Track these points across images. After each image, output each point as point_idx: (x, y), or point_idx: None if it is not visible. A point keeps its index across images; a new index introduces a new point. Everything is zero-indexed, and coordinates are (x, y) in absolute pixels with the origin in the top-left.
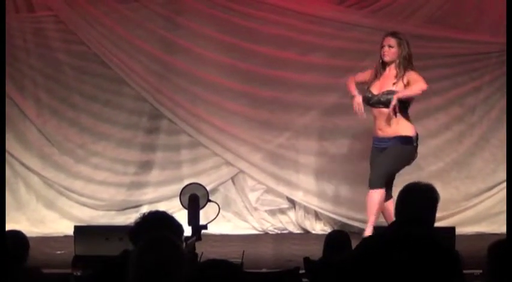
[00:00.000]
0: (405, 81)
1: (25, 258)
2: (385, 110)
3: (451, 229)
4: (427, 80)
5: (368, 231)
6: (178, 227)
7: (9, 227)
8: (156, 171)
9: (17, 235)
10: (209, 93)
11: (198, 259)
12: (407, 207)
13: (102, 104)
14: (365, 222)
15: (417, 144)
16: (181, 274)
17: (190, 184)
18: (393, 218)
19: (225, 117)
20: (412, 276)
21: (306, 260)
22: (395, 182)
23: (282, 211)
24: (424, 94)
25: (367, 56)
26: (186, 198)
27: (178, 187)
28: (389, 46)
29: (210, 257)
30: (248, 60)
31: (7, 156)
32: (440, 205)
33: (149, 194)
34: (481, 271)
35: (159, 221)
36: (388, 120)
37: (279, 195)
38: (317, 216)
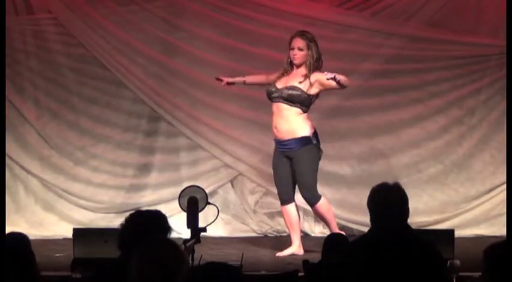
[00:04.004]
0: (312, 80)
1: (27, 260)
2: (283, 105)
3: (450, 231)
4: (427, 82)
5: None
6: (164, 222)
7: (8, 229)
8: (155, 174)
9: (19, 237)
10: (208, 95)
11: (198, 262)
12: (378, 209)
13: (102, 107)
14: (364, 224)
15: (318, 141)
16: (182, 277)
17: (189, 187)
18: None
19: (224, 120)
20: (398, 271)
21: (305, 262)
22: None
23: (281, 214)
24: (423, 96)
25: (366, 59)
26: (185, 201)
27: (177, 190)
28: (299, 48)
29: (209, 260)
30: (248, 63)
31: (6, 158)
32: (439, 207)
33: (148, 196)
34: (480, 274)
35: (144, 225)
36: (284, 118)
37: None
38: (316, 218)
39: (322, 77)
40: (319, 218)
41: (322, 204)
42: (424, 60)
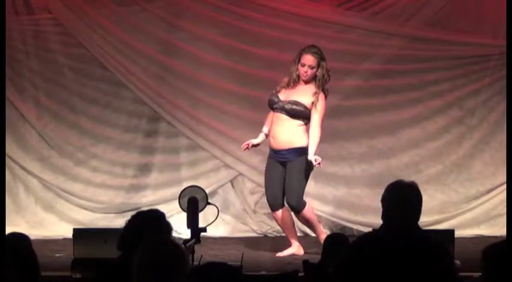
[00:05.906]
0: (314, 100)
1: (28, 261)
2: (284, 116)
3: (451, 232)
4: (427, 82)
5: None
6: (164, 221)
7: (8, 230)
8: (155, 174)
9: (20, 238)
10: (209, 95)
11: (198, 262)
12: (394, 206)
13: (102, 107)
14: (365, 224)
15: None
16: (183, 277)
17: (190, 187)
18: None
19: (225, 120)
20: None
21: (305, 262)
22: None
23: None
24: (423, 96)
25: (366, 59)
26: (185, 201)
27: (177, 190)
28: (310, 66)
29: (209, 260)
30: (248, 63)
31: (6, 159)
32: (439, 207)
33: (148, 196)
34: (480, 274)
35: (147, 225)
36: (282, 128)
37: None
38: None
39: (319, 102)
40: (304, 224)
41: (307, 211)
42: (424, 60)
